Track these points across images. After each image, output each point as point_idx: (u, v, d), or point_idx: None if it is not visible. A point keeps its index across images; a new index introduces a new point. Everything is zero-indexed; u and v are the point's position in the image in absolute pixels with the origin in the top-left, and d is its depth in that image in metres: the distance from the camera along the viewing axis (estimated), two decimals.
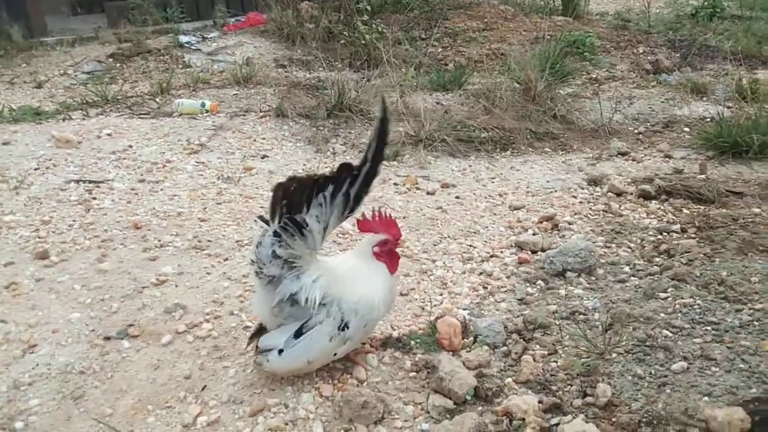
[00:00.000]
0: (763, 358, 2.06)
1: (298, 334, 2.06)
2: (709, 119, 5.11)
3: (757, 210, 3.52)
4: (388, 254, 2.22)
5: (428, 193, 4.06)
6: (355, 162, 1.95)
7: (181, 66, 6.72)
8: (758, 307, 2.35)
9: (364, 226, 2.22)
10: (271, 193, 1.97)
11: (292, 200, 1.92)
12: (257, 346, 2.16)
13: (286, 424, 2.05)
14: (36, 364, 2.28)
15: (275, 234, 1.95)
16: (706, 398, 1.91)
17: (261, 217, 2.08)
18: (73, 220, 3.31)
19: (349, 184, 1.93)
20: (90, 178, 3.90)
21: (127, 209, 3.49)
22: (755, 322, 2.27)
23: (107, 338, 2.42)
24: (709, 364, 2.08)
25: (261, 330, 2.21)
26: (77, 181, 3.84)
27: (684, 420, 1.77)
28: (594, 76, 6.53)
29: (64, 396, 2.14)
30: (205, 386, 2.19)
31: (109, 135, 4.72)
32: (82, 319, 2.52)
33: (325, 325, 2.06)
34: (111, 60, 6.84)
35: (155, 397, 2.15)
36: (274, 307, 2.07)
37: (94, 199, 3.61)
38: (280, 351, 2.07)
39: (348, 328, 2.09)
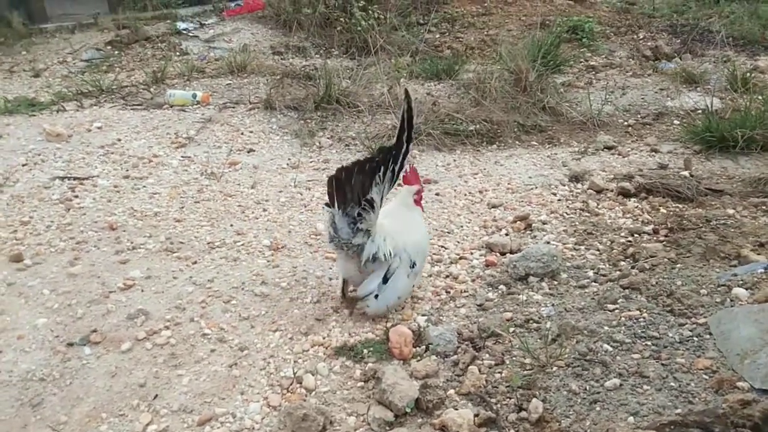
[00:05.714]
0: (693, 376, 2.09)
1: (385, 279, 2.66)
2: (699, 111, 5.04)
3: (731, 211, 3.50)
4: (420, 200, 2.88)
5: None
6: (390, 144, 2.50)
7: (178, 53, 6.77)
8: (701, 322, 2.36)
9: (405, 179, 2.81)
10: (326, 185, 2.53)
11: (362, 185, 2.46)
12: (358, 294, 2.74)
13: None
14: None
15: (358, 214, 2.51)
16: (631, 418, 1.95)
17: (327, 204, 2.59)
18: (52, 221, 3.40)
19: (392, 163, 2.48)
20: (75, 175, 3.99)
21: (106, 208, 3.57)
22: (695, 338, 2.28)
23: (70, 344, 2.51)
24: (641, 381, 2.11)
25: (345, 282, 2.85)
26: (62, 178, 3.93)
27: None
28: (592, 63, 6.45)
29: (22, 403, 2.23)
30: (156, 395, 2.28)
31: (99, 128, 4.81)
32: (48, 325, 2.61)
33: (401, 268, 2.68)
34: (109, 47, 6.92)
35: (110, 404, 2.25)
36: (362, 266, 2.66)
37: (76, 197, 3.70)
38: (376, 296, 2.66)
39: (415, 265, 2.73)
